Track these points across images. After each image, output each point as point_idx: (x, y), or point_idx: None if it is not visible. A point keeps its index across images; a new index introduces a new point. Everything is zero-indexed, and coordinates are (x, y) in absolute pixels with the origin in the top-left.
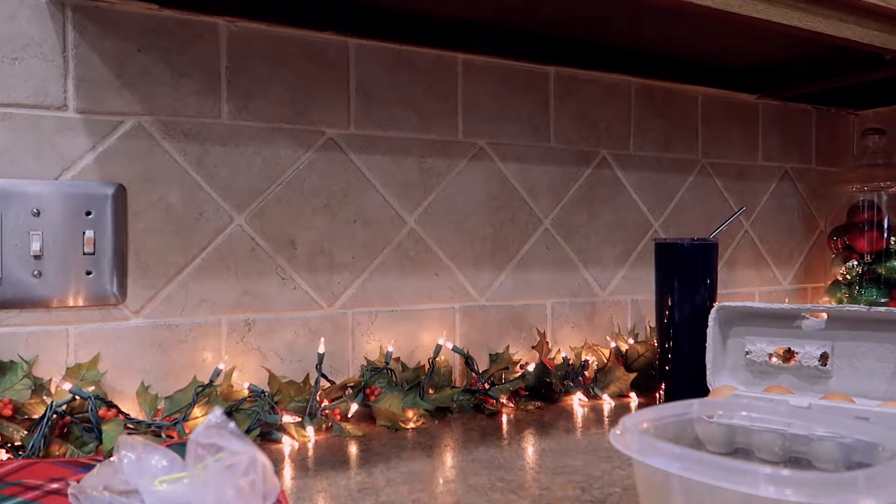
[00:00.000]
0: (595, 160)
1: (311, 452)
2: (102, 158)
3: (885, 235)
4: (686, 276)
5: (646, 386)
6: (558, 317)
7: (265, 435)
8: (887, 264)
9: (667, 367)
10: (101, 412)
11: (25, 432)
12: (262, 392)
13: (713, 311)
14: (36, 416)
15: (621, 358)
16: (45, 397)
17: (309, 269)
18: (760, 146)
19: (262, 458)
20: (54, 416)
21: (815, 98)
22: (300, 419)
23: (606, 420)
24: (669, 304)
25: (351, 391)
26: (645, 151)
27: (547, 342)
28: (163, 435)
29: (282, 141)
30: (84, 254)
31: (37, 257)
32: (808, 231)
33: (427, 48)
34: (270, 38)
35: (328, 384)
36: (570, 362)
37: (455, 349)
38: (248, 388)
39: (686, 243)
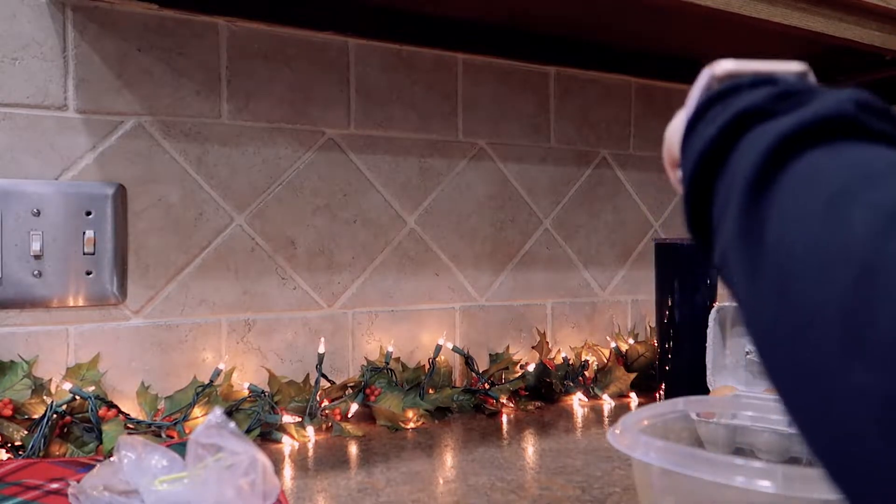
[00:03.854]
0: (595, 160)
1: (311, 452)
2: (102, 158)
3: None
4: (686, 276)
5: (646, 386)
6: (558, 317)
7: (265, 435)
8: None
9: (667, 367)
10: (101, 412)
11: (25, 432)
12: (262, 392)
13: (713, 311)
14: (36, 416)
15: (621, 358)
16: (45, 397)
17: (309, 269)
18: None
19: (262, 458)
20: (54, 416)
21: None
22: (300, 419)
23: (606, 420)
24: (669, 304)
25: (351, 391)
26: (645, 151)
27: (547, 342)
28: (163, 435)
29: (282, 141)
30: (84, 254)
31: (37, 257)
32: None
33: (427, 48)
34: (270, 38)
35: (328, 384)
36: (570, 362)
37: (455, 349)
38: (248, 388)
39: (686, 243)
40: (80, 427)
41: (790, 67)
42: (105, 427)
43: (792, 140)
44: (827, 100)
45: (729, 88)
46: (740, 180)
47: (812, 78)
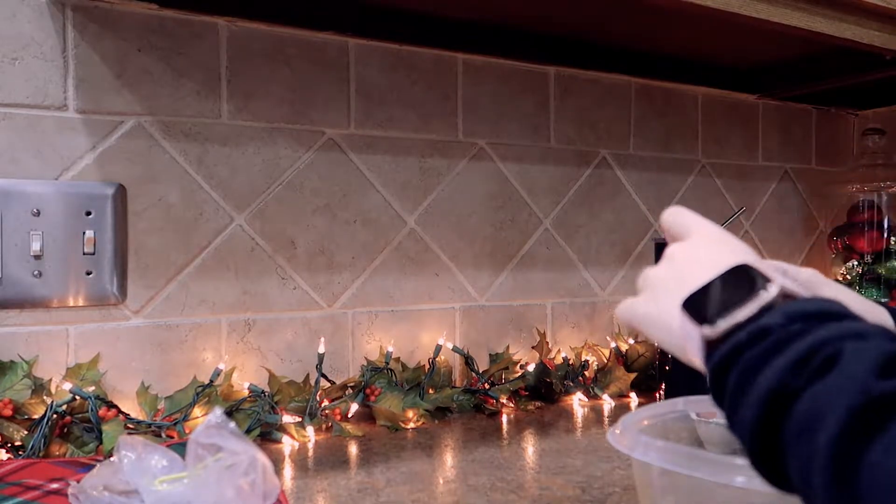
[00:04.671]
0: (595, 160)
1: (311, 452)
2: (102, 158)
3: (885, 235)
4: None
5: (646, 386)
6: (558, 317)
7: (265, 435)
8: (887, 264)
9: (667, 367)
10: (101, 412)
11: (25, 432)
12: (262, 392)
13: None
14: (36, 416)
15: (621, 358)
16: (45, 397)
17: (309, 269)
18: (760, 146)
19: (262, 458)
20: (54, 416)
21: (815, 98)
22: (300, 419)
23: (606, 420)
24: None
25: (351, 391)
26: (645, 151)
27: (547, 342)
28: (163, 435)
29: (282, 141)
30: (84, 254)
31: (37, 257)
32: (808, 231)
33: (427, 48)
34: (270, 38)
35: (328, 384)
36: (570, 362)
37: (455, 349)
38: (248, 388)
39: None
40: (80, 427)
41: (769, 293)
42: (105, 427)
43: (846, 440)
44: (847, 374)
45: (732, 351)
46: (817, 484)
47: (789, 286)
